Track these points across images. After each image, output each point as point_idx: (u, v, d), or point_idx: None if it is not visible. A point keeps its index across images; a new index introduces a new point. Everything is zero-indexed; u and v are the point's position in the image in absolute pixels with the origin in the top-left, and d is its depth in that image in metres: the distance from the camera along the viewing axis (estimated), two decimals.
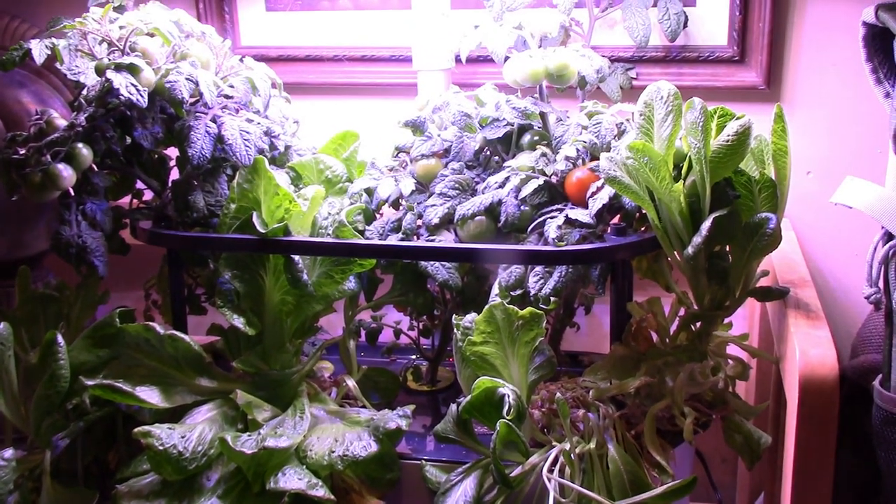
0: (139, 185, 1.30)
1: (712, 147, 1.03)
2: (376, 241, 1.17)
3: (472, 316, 1.08)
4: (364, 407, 1.20)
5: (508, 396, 1.00)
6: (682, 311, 1.14)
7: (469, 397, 1.03)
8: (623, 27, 1.42)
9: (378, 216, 1.24)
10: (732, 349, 1.17)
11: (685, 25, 1.39)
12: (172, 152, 1.27)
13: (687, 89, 1.29)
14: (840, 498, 1.26)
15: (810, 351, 0.95)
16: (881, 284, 1.13)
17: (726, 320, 1.16)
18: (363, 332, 1.34)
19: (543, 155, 1.16)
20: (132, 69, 1.15)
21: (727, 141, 1.02)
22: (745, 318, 1.46)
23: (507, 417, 0.99)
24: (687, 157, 1.05)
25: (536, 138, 1.20)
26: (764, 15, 1.39)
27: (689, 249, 1.03)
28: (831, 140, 1.41)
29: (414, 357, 1.39)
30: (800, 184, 1.41)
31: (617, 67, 1.44)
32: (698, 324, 1.12)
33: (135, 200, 1.32)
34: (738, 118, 1.03)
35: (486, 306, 1.06)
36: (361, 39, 1.57)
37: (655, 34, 1.43)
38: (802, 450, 0.94)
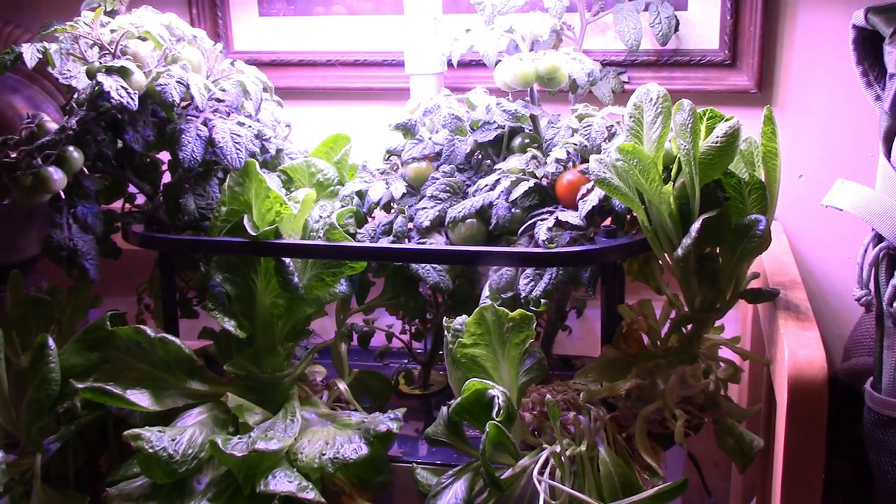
0: (131, 188, 1.30)
1: (701, 149, 1.03)
2: (367, 244, 1.17)
3: (462, 318, 1.08)
4: (356, 410, 1.20)
5: (498, 398, 1.00)
6: (673, 314, 1.14)
7: (459, 399, 1.03)
8: (615, 31, 1.42)
9: (370, 219, 1.24)
10: (725, 352, 1.17)
11: (676, 29, 1.39)
12: (164, 156, 1.28)
13: (678, 93, 1.28)
14: (832, 501, 1.26)
15: (799, 352, 0.95)
16: (871, 286, 1.13)
17: (718, 323, 1.16)
18: (355, 336, 1.34)
19: (534, 157, 1.16)
20: (123, 72, 1.15)
21: (716, 142, 1.02)
22: (737, 321, 1.46)
23: (497, 419, 0.98)
24: (676, 159, 1.05)
25: (527, 141, 1.20)
26: (755, 19, 1.40)
27: (679, 251, 1.03)
28: (823, 143, 1.41)
29: (406, 361, 1.38)
30: (791, 187, 1.41)
31: (609, 71, 1.44)
32: (689, 326, 1.12)
33: (127, 204, 1.32)
34: (726, 120, 1.03)
35: (477, 308, 1.06)
36: (354, 44, 1.58)
37: (647, 38, 1.43)
38: (792, 451, 0.94)
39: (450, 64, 1.37)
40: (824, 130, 1.41)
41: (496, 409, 0.99)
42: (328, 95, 1.59)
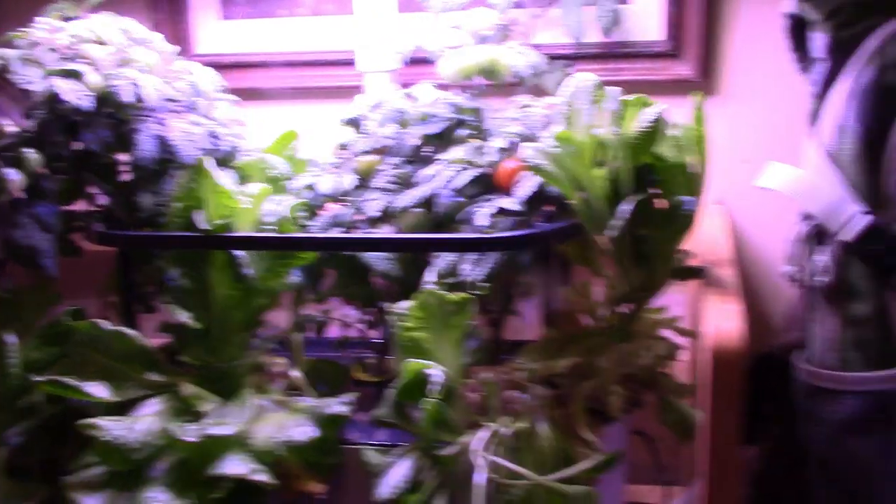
0: (91, 188, 1.34)
1: (630, 134, 1.07)
2: (313, 235, 1.21)
3: (406, 302, 1.12)
4: (310, 397, 1.23)
5: (437, 377, 1.04)
6: (611, 295, 1.18)
7: (401, 381, 1.07)
8: (562, 25, 1.46)
9: (321, 212, 1.28)
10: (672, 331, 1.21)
11: (620, 22, 1.44)
12: (124, 156, 1.31)
13: (625, 83, 1.33)
14: (773, 474, 1.30)
15: (720, 324, 0.98)
16: (802, 263, 1.17)
17: (662, 302, 1.20)
18: (312, 327, 1.37)
19: (477, 147, 1.20)
20: (77, 75, 1.19)
21: (642, 127, 1.06)
22: (685, 303, 1.50)
23: (436, 397, 1.02)
24: (608, 145, 1.09)
25: (471, 132, 1.24)
26: (697, 10, 1.44)
27: (611, 232, 1.07)
28: (766, 129, 1.46)
29: (363, 349, 1.42)
30: (736, 171, 1.46)
31: (557, 64, 1.48)
32: (626, 305, 1.16)
33: (87, 204, 1.36)
34: (652, 105, 1.07)
35: (419, 293, 1.10)
36: (315, 44, 1.62)
37: (595, 31, 1.47)
38: (715, 421, 0.98)
39: (404, 60, 1.42)
40: (767, 116, 1.45)
41: (435, 387, 1.03)
42: (289, 95, 1.63)
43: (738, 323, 0.98)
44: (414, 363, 1.05)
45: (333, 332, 1.42)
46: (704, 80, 1.46)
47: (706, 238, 1.29)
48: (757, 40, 1.43)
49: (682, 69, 1.47)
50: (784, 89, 1.43)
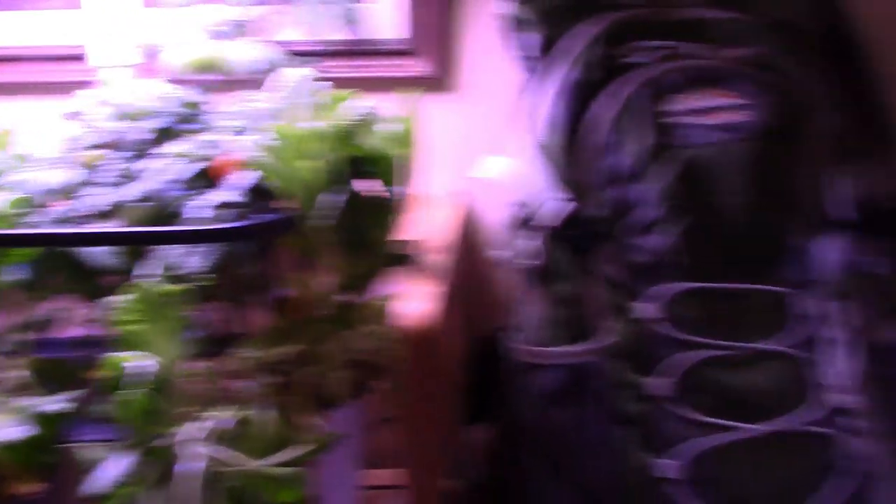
0: None
1: (342, 127, 1.11)
2: (24, 231, 1.18)
3: (123, 296, 1.11)
4: (35, 396, 1.21)
5: (146, 368, 1.04)
6: (333, 284, 1.21)
7: (108, 375, 1.06)
8: (305, 22, 1.49)
9: (46, 209, 1.25)
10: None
11: (356, 20, 1.48)
12: None
13: (369, 80, 1.37)
14: (499, 453, 1.37)
15: (418, 307, 1.04)
16: (514, 247, 1.26)
17: (390, 289, 1.25)
18: (46, 326, 1.34)
19: (200, 141, 1.21)
20: None
21: (350, 121, 1.11)
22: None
23: (145, 388, 1.03)
24: (320, 137, 1.13)
25: (196, 126, 1.25)
26: (436, 9, 1.51)
27: (322, 223, 1.11)
28: (499, 123, 1.53)
29: (100, 347, 1.40)
30: (472, 164, 1.53)
31: (300, 61, 1.50)
32: (348, 294, 1.20)
33: None
34: (360, 100, 1.12)
35: (133, 285, 1.10)
36: (51, 39, 1.58)
37: (340, 29, 1.51)
38: (414, 402, 1.03)
39: (138, 55, 1.40)
40: (500, 111, 1.53)
41: (143, 379, 1.03)
42: (21, 90, 1.58)
43: (432, 305, 1.04)
44: (117, 356, 1.05)
45: (76, 331, 1.39)
46: (444, 78, 1.53)
47: (434, 227, 1.35)
48: (490, 40, 1.51)
49: (423, 66, 1.53)
50: (515, 86, 1.51)
